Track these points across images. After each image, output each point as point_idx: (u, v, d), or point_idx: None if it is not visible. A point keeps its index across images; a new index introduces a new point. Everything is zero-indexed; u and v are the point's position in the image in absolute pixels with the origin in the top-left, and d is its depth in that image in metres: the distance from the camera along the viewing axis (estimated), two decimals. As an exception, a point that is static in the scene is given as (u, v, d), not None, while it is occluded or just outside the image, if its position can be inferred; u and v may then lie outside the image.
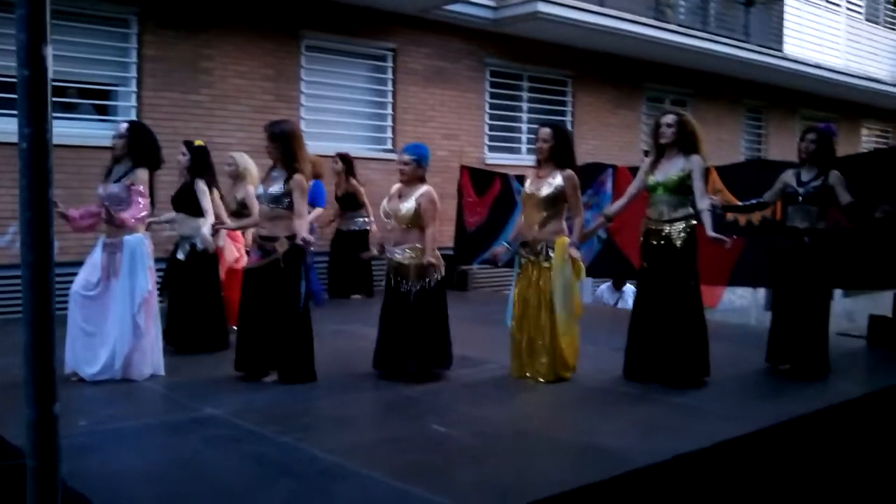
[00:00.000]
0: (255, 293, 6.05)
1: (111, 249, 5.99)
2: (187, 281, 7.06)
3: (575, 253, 6.13)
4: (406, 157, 6.20)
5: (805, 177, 6.59)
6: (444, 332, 6.18)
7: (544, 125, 6.40)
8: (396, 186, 6.29)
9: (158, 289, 6.52)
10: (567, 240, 6.14)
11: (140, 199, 5.99)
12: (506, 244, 6.81)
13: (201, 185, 6.99)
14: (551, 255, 6.10)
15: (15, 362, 6.22)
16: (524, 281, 6.27)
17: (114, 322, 5.89)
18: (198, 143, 7.32)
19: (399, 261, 6.11)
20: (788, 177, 6.71)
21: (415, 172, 6.18)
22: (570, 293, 6.12)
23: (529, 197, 6.26)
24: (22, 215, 2.40)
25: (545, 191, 6.14)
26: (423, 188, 6.14)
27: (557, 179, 6.13)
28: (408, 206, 6.06)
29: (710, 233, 6.02)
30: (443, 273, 6.18)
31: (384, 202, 6.31)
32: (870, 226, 6.68)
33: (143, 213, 6.05)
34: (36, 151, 2.39)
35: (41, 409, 2.45)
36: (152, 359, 6.08)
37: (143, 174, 6.06)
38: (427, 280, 6.06)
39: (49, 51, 2.40)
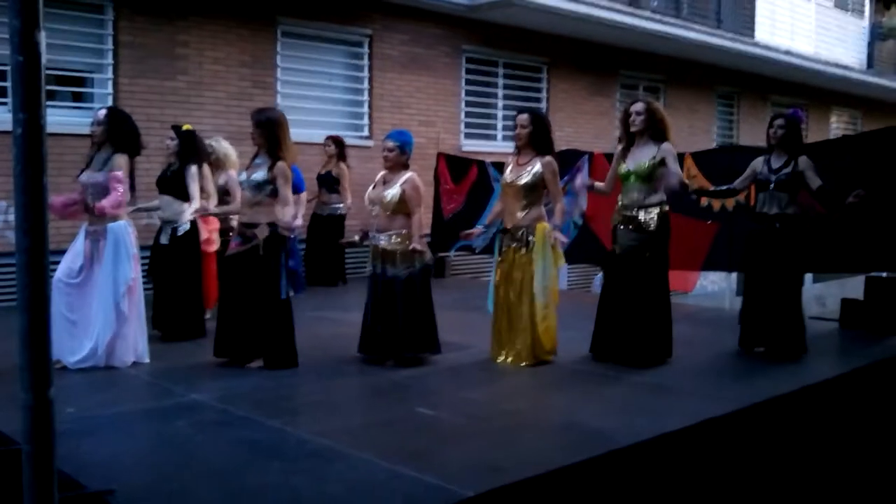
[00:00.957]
0: (235, 280, 6.07)
1: (94, 237, 5.98)
2: (170, 266, 7.07)
3: (559, 236, 6.20)
4: (390, 144, 6.24)
5: (775, 163, 6.69)
6: (431, 317, 6.24)
7: (522, 111, 6.45)
8: (381, 174, 6.32)
9: (144, 275, 6.52)
10: (548, 226, 6.21)
11: (119, 187, 5.97)
12: (481, 227, 6.89)
13: (192, 170, 7.02)
14: (532, 241, 6.16)
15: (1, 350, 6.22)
16: (504, 267, 6.34)
17: (97, 310, 5.89)
18: (186, 127, 7.34)
19: (384, 247, 6.15)
20: (758, 164, 6.81)
21: (398, 159, 6.22)
22: (549, 279, 6.20)
23: (510, 185, 6.31)
24: (17, 201, 2.42)
25: (525, 178, 6.20)
26: (407, 174, 6.18)
27: (537, 167, 6.19)
28: (392, 192, 6.10)
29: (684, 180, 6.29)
30: (429, 258, 6.24)
31: (369, 189, 6.35)
32: (842, 210, 6.79)
33: (121, 200, 6.03)
34: (30, 137, 2.41)
35: (37, 394, 2.47)
36: (135, 346, 6.09)
37: (121, 160, 6.04)
38: (413, 265, 6.11)
39: (42, 37, 2.42)
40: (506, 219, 6.40)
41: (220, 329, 6.13)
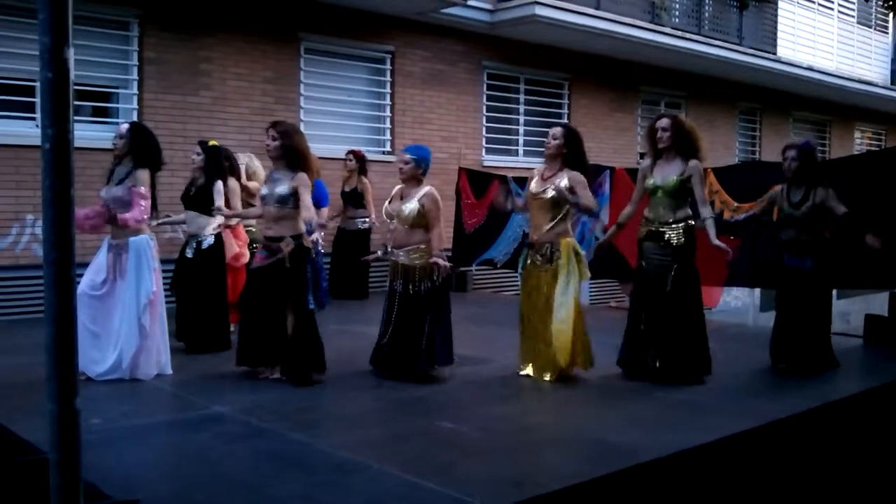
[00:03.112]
0: (259, 292, 6.11)
1: (117, 250, 6.03)
2: (195, 279, 7.12)
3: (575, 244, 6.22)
4: (406, 157, 6.27)
5: (794, 197, 6.66)
6: (448, 330, 6.24)
7: (559, 125, 6.46)
8: (398, 188, 6.34)
9: (167, 288, 6.57)
10: (572, 241, 6.21)
11: (142, 202, 6.02)
12: (510, 203, 6.87)
13: (218, 186, 7.08)
14: (557, 255, 6.15)
15: (20, 362, 6.30)
16: (529, 281, 6.34)
17: (120, 323, 5.93)
18: (212, 142, 7.40)
19: (404, 263, 6.16)
20: (777, 195, 6.78)
21: (413, 172, 6.23)
22: (572, 294, 6.18)
23: (535, 198, 6.30)
24: (45, 214, 2.45)
25: (550, 192, 6.18)
26: (425, 188, 6.19)
27: (564, 181, 6.17)
28: (410, 206, 6.11)
29: (714, 241, 6.11)
30: (449, 271, 6.24)
31: (386, 203, 6.37)
32: (867, 229, 6.76)
33: (145, 215, 6.09)
34: (59, 152, 2.44)
35: (63, 404, 2.50)
36: (158, 359, 6.12)
37: (144, 175, 6.09)
38: (434, 279, 6.11)
39: (71, 53, 2.45)
40: (532, 232, 6.40)
41: (243, 339, 6.17)
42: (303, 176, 6.00)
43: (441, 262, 6.07)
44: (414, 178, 6.25)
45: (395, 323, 6.19)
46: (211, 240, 7.13)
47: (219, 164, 7.27)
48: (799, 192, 6.64)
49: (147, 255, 6.05)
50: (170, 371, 6.18)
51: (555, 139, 6.26)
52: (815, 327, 6.66)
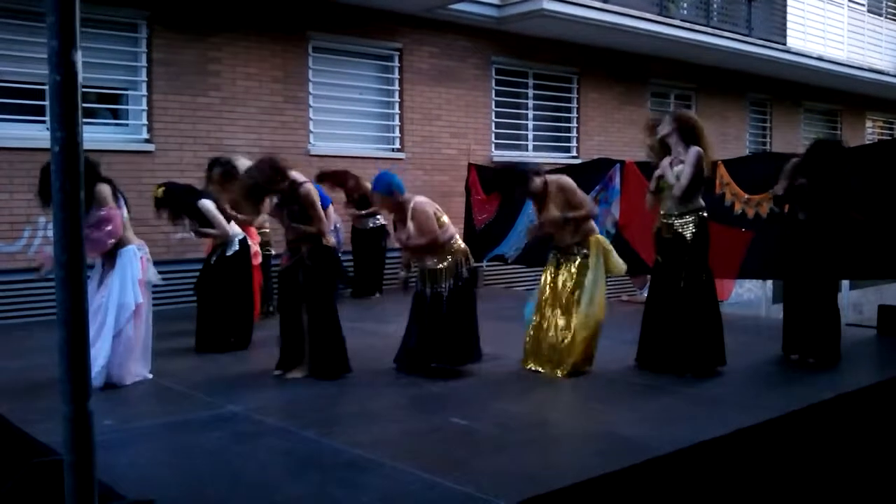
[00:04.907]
0: (289, 293, 6.19)
1: (108, 262, 5.95)
2: (215, 284, 7.22)
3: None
4: (376, 197, 6.37)
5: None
6: (474, 327, 6.29)
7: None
8: (391, 218, 6.41)
9: (191, 289, 6.58)
10: (601, 237, 6.27)
11: (107, 225, 5.79)
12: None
13: (205, 205, 7.10)
14: (585, 253, 6.24)
15: (33, 364, 6.34)
16: (551, 277, 6.37)
17: (104, 334, 5.77)
18: (159, 190, 7.13)
19: (431, 267, 6.21)
20: (791, 169, 6.75)
21: (391, 203, 6.26)
22: (598, 290, 6.20)
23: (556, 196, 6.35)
24: (55, 216, 2.46)
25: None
26: (410, 206, 6.15)
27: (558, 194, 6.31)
28: (410, 228, 6.16)
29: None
30: (472, 267, 6.29)
31: (392, 233, 6.46)
32: (878, 217, 6.74)
33: (116, 231, 5.85)
34: (68, 154, 2.45)
35: (76, 406, 2.51)
36: (145, 361, 6.07)
37: (103, 189, 5.88)
38: (459, 278, 6.16)
39: (79, 56, 2.46)
40: (556, 236, 6.41)
41: (285, 344, 6.21)
42: (304, 192, 6.06)
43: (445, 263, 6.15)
44: (395, 206, 6.25)
45: (424, 323, 6.21)
46: (236, 246, 7.21)
47: (180, 199, 7.12)
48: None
49: (133, 266, 5.93)
50: (149, 376, 6.08)
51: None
52: (825, 316, 6.62)
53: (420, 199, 6.20)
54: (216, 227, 7.12)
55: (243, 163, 8.35)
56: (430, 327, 6.15)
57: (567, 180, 6.34)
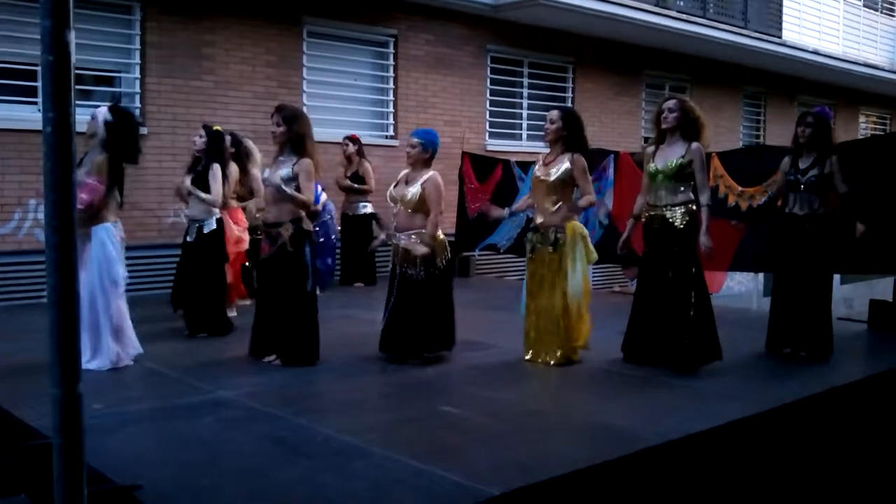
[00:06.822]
0: (270, 282, 6.14)
1: (82, 240, 5.88)
2: (195, 263, 7.14)
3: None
4: (413, 141, 6.25)
5: (803, 163, 6.60)
6: (450, 315, 6.24)
7: (555, 108, 6.43)
8: (404, 172, 6.33)
9: (172, 271, 6.46)
10: (578, 224, 6.20)
11: (84, 191, 5.58)
12: (507, 210, 6.87)
13: (216, 170, 7.04)
14: (560, 239, 6.14)
15: (21, 347, 6.31)
16: (534, 266, 6.32)
17: (91, 312, 5.72)
18: (216, 127, 7.37)
19: (405, 246, 6.14)
20: (786, 165, 6.74)
21: (420, 156, 6.22)
22: (580, 277, 6.17)
23: (539, 181, 6.29)
24: (47, 198, 2.44)
25: (553, 175, 6.17)
26: (429, 173, 6.18)
27: (565, 163, 6.15)
28: (413, 190, 6.10)
29: (703, 236, 6.07)
30: (448, 256, 6.23)
31: (391, 187, 6.35)
32: (861, 216, 6.73)
33: (96, 195, 5.71)
34: (60, 135, 2.44)
35: (66, 389, 2.50)
36: (132, 341, 5.99)
37: (98, 160, 5.79)
38: (434, 265, 6.11)
39: (72, 36, 2.44)
40: (536, 215, 6.38)
41: (256, 330, 6.19)
42: (306, 163, 5.98)
43: (426, 251, 6.07)
44: (420, 161, 6.23)
45: (395, 305, 6.18)
46: (213, 224, 7.10)
47: (219, 148, 7.24)
48: (809, 158, 6.59)
49: (112, 241, 5.83)
50: (140, 350, 6.02)
51: (552, 123, 6.24)
52: (818, 310, 6.62)
53: (439, 177, 6.22)
54: (212, 193, 7.02)
55: (249, 144, 8.37)
56: (408, 314, 6.10)
57: (585, 163, 6.27)
